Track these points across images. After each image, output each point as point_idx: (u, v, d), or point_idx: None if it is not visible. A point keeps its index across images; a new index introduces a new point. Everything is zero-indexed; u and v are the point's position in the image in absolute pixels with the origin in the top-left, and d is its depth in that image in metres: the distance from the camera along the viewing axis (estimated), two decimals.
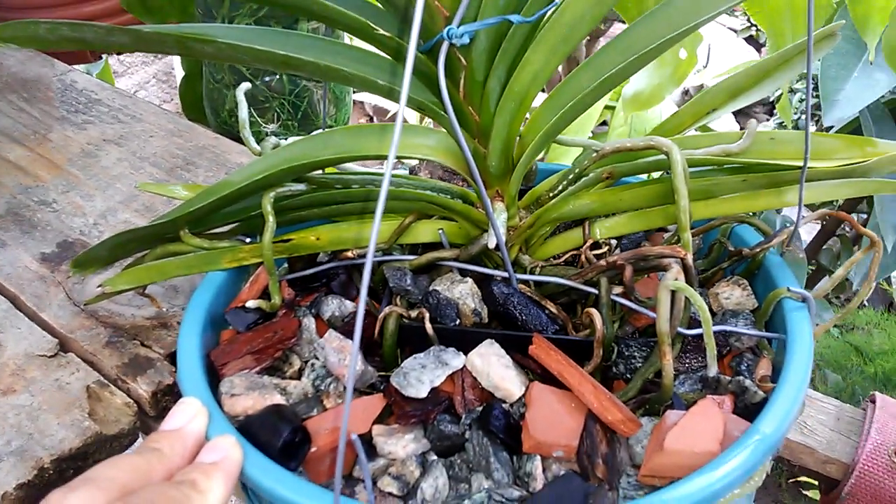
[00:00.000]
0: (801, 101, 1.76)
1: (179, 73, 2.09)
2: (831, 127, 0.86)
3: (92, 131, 0.68)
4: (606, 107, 1.50)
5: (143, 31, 0.34)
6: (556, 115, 0.35)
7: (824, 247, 1.14)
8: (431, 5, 0.31)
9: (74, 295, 0.52)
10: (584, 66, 0.36)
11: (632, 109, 0.85)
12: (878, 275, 0.92)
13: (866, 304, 1.53)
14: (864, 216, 1.05)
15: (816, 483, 0.58)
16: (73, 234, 0.57)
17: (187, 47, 0.35)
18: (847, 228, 1.15)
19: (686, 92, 2.10)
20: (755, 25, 2.53)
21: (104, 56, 1.08)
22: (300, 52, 0.34)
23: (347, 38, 0.51)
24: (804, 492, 1.19)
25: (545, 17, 0.33)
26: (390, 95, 0.35)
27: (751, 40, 2.65)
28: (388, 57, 0.36)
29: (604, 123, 1.61)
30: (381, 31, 0.33)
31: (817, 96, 0.75)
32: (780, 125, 1.95)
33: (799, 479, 1.20)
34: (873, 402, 0.51)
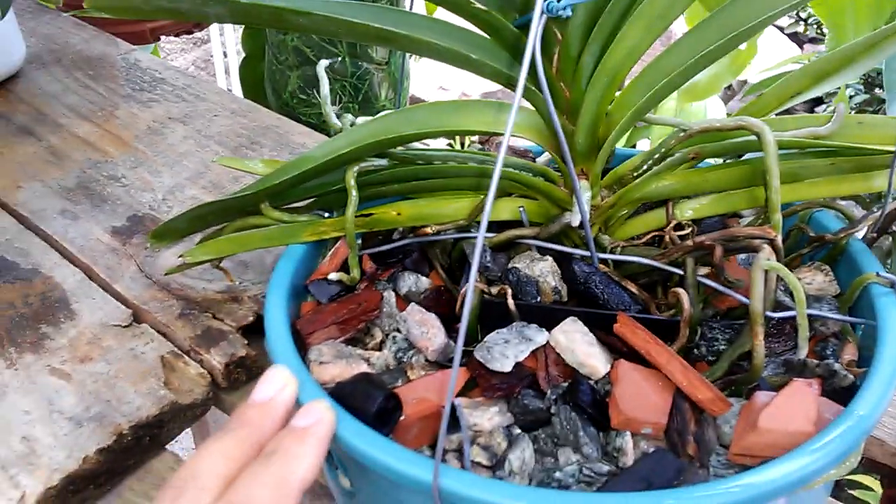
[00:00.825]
0: (850, 97, 1.74)
1: (218, 61, 2.10)
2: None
3: (157, 109, 0.69)
4: None
5: (240, 2, 0.34)
6: (647, 94, 0.35)
7: (875, 244, 1.12)
8: None
9: (146, 268, 0.53)
10: (671, 48, 0.36)
11: (687, 100, 0.85)
12: None
13: None
14: None
15: (877, 479, 0.57)
16: (142, 209, 0.58)
17: (283, 19, 0.35)
18: None
19: (729, 87, 2.08)
20: (803, 20, 2.49)
21: (158, 39, 1.09)
22: (395, 25, 0.35)
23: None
24: (850, 491, 1.17)
25: None
26: (483, 71, 0.35)
27: (794, 37, 2.61)
28: (481, 32, 0.36)
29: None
30: (478, 5, 0.33)
31: (866, 93, 0.74)
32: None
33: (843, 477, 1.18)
34: None
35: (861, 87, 1.87)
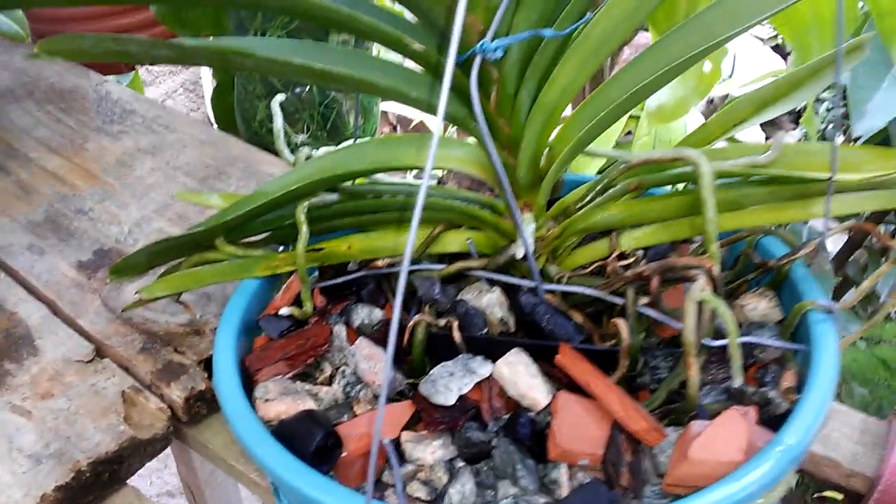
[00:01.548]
0: (828, 110, 1.75)
1: (206, 83, 2.12)
2: (859, 137, 0.86)
3: (127, 141, 0.70)
4: (631, 117, 1.50)
5: (186, 46, 0.35)
6: (586, 128, 0.36)
7: (851, 258, 1.13)
8: (466, 20, 0.32)
9: (110, 302, 0.54)
10: (612, 80, 0.36)
11: (656, 122, 0.86)
12: None
13: (894, 317, 1.51)
14: (893, 227, 1.05)
15: (841, 497, 0.58)
16: (108, 243, 0.59)
17: (227, 60, 0.36)
18: (874, 240, 1.14)
19: (711, 101, 2.10)
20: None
21: (136, 67, 1.10)
22: (336, 65, 0.35)
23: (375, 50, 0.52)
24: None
25: (576, 32, 0.34)
26: (422, 107, 0.36)
27: (777, 49, 2.63)
28: (421, 69, 0.36)
29: (629, 133, 1.61)
30: (416, 45, 0.34)
31: (844, 106, 0.75)
32: (806, 136, 1.94)
33: (825, 494, 1.19)
34: None
35: (838, 99, 1.88)
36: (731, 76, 2.03)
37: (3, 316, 0.52)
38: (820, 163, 0.39)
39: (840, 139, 1.03)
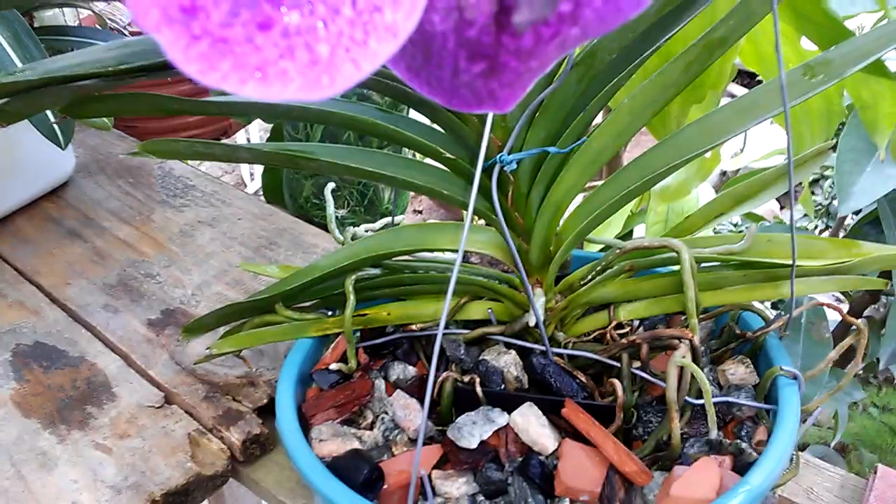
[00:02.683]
0: (831, 186, 1.82)
1: (244, 164, 2.25)
2: (845, 218, 0.93)
3: (188, 213, 0.78)
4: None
5: (263, 150, 0.43)
6: (586, 221, 0.43)
7: (852, 328, 1.19)
8: (489, 138, 0.40)
9: (176, 356, 0.61)
10: (609, 182, 0.44)
11: (661, 201, 0.93)
12: (893, 359, 0.97)
13: None
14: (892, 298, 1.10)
15: None
16: (174, 304, 0.67)
17: (295, 162, 0.44)
18: (879, 308, 1.19)
19: (724, 173, 2.18)
20: None
21: None
22: (382, 167, 0.43)
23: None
24: None
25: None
26: (452, 202, 0.44)
27: None
28: (450, 171, 0.44)
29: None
30: (448, 154, 0.42)
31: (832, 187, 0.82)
32: (804, 215, 2.00)
33: None
34: (875, 472, 0.57)
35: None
36: (741, 151, 2.11)
37: (85, 366, 0.60)
38: (787, 251, 0.46)
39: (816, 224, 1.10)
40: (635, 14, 0.16)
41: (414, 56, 0.17)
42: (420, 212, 2.44)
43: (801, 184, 0.95)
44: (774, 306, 1.26)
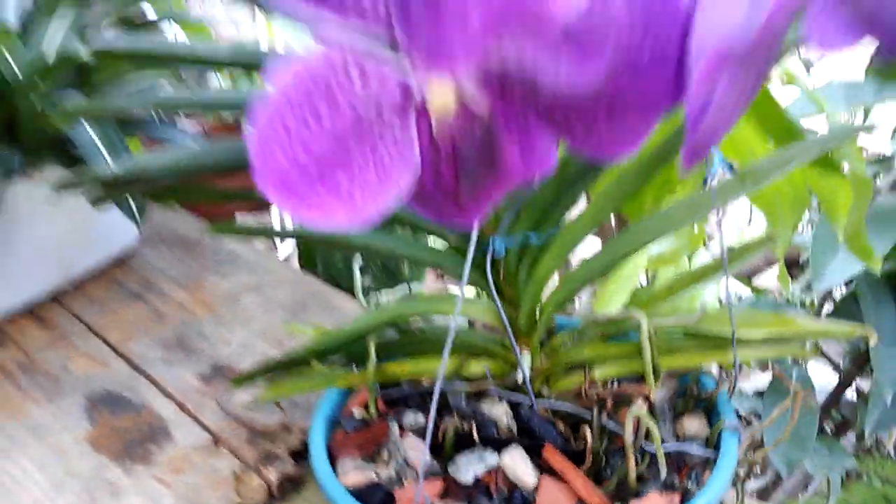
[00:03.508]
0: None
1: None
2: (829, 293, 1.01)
3: (235, 280, 0.88)
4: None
5: (307, 232, 0.53)
6: (563, 294, 0.52)
7: (843, 397, 1.24)
8: (482, 227, 0.50)
9: (223, 404, 0.70)
10: (582, 266, 0.53)
11: (655, 266, 1.02)
12: (879, 427, 1.02)
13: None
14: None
15: None
16: (221, 359, 0.76)
17: (332, 242, 0.54)
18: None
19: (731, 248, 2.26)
20: None
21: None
22: (402, 248, 0.53)
23: None
24: None
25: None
26: (455, 275, 0.53)
27: None
28: (455, 252, 0.54)
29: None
30: (452, 237, 0.51)
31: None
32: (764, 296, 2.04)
33: None
34: None
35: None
36: (749, 223, 2.20)
37: (146, 412, 0.69)
38: (726, 324, 0.54)
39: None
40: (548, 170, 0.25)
41: (411, 195, 0.27)
42: (443, 276, 2.54)
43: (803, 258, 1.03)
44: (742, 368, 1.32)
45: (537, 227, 0.51)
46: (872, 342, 0.54)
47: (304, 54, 0.20)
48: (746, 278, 2.20)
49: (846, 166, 0.77)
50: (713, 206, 0.47)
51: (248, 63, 0.43)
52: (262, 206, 1.38)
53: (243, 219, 1.33)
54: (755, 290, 1.77)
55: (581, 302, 1.35)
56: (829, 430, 1.36)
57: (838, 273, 0.90)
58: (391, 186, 0.23)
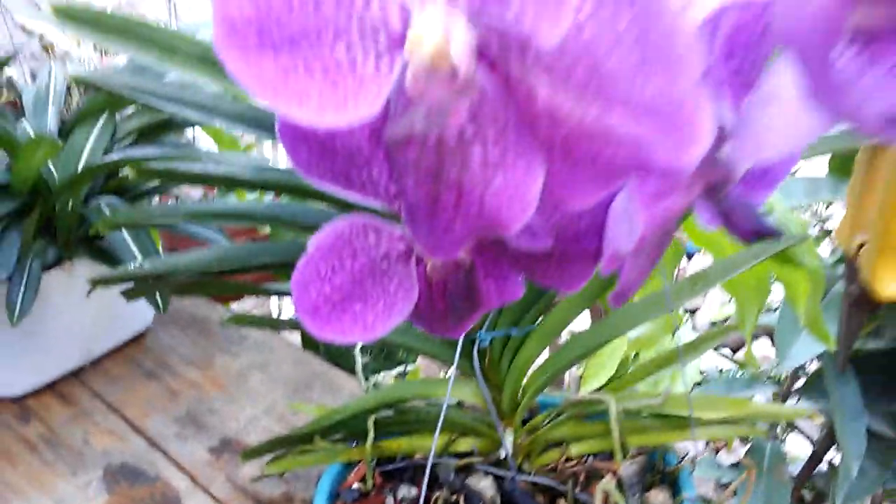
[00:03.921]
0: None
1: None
2: (798, 369, 1.07)
3: (243, 359, 0.94)
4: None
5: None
6: (541, 381, 0.58)
7: (815, 471, 1.29)
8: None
9: (232, 477, 0.75)
10: (556, 354, 0.60)
11: (634, 348, 1.08)
12: (849, 499, 1.07)
13: None
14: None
15: None
16: (230, 434, 0.82)
17: None
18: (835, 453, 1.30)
19: (714, 323, 2.33)
20: None
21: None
22: (398, 336, 0.59)
23: None
24: None
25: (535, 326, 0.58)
26: (447, 363, 0.59)
27: None
28: (447, 343, 0.60)
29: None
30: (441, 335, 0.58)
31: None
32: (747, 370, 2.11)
33: None
34: None
35: None
36: (730, 300, 2.27)
37: (160, 484, 0.74)
38: (693, 406, 0.60)
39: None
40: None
41: (411, 315, 0.33)
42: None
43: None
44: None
45: (518, 321, 0.58)
46: (817, 422, 0.60)
47: (335, 222, 0.27)
48: (732, 351, 2.26)
49: (805, 259, 0.85)
50: (669, 307, 0.54)
51: (275, 184, 0.51)
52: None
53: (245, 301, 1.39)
54: (738, 363, 1.83)
55: (570, 376, 1.41)
56: (806, 502, 1.40)
57: (802, 353, 0.97)
58: (395, 313, 0.30)
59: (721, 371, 2.10)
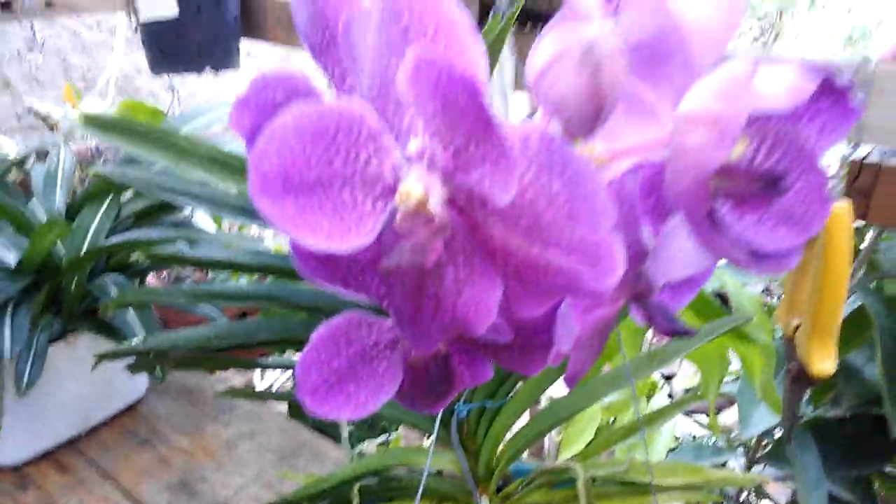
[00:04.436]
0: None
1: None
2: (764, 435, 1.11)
3: (233, 428, 0.97)
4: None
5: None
6: (515, 450, 0.63)
7: None
8: None
9: None
10: (529, 423, 0.64)
11: (607, 415, 1.12)
12: None
13: None
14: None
15: None
16: (221, 501, 0.84)
17: None
18: None
19: (687, 390, 2.37)
20: None
21: None
22: (385, 409, 0.63)
23: None
24: None
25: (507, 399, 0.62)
26: (427, 433, 0.63)
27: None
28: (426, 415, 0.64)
29: None
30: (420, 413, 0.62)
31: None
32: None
33: None
34: None
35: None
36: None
37: None
38: (655, 473, 0.65)
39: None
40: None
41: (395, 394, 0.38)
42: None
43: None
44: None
45: (493, 395, 0.62)
46: (765, 487, 0.64)
47: (334, 318, 0.32)
48: (710, 415, 2.29)
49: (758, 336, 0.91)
50: (628, 381, 0.59)
51: (271, 268, 0.56)
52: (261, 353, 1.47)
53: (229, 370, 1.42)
54: (710, 427, 1.87)
55: (551, 441, 1.44)
56: None
57: (763, 421, 1.01)
58: (383, 393, 0.35)
59: (694, 437, 2.13)
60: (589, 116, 0.19)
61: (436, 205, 0.22)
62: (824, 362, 0.54)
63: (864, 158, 0.56)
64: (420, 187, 0.22)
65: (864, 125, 0.46)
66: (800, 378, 0.58)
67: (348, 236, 0.24)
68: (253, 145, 0.26)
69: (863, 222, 0.65)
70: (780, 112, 0.19)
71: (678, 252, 0.24)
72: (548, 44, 0.19)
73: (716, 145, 0.18)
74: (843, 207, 0.49)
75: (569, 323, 0.24)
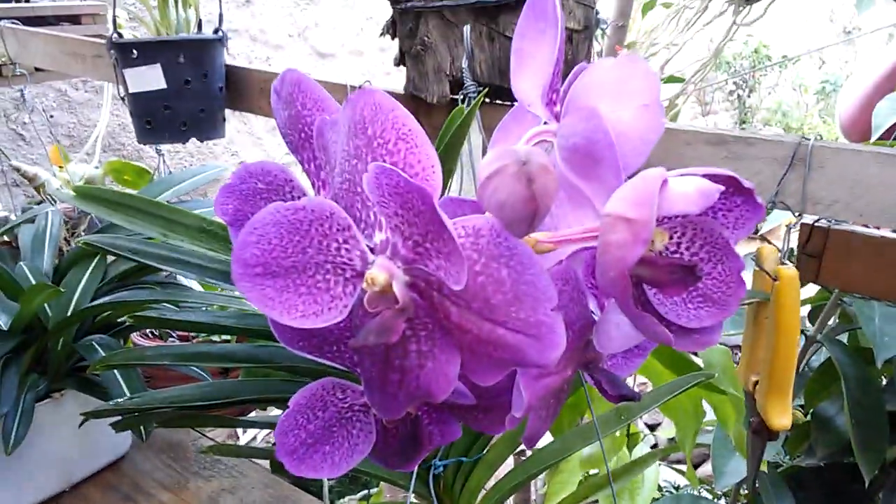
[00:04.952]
0: None
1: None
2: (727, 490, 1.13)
3: (214, 483, 0.98)
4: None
5: None
6: (495, 499, 0.65)
7: None
8: None
9: None
10: (508, 475, 0.66)
11: (584, 468, 1.14)
12: None
13: None
14: None
15: None
16: None
17: None
18: None
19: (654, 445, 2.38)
20: None
21: None
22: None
23: None
24: None
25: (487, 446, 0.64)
26: (405, 488, 0.65)
27: None
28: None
29: None
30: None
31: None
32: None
33: None
34: None
35: None
36: None
37: None
38: None
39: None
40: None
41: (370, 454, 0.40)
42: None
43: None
44: None
45: (468, 451, 0.64)
46: None
47: (311, 385, 0.35)
48: (695, 466, 2.31)
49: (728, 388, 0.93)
50: (596, 437, 0.62)
51: (254, 330, 0.58)
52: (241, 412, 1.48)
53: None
54: (688, 479, 1.88)
55: (536, 492, 1.45)
56: None
57: (736, 473, 1.03)
58: (357, 453, 0.37)
59: (678, 487, 2.14)
60: (525, 218, 0.22)
61: (399, 289, 0.25)
62: (781, 417, 0.57)
63: (815, 222, 0.59)
64: (384, 274, 0.25)
65: (807, 197, 0.50)
66: (759, 431, 0.60)
67: (322, 314, 0.27)
68: (236, 229, 0.28)
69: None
70: (693, 213, 0.22)
71: (618, 326, 0.27)
72: (491, 159, 0.22)
73: (632, 244, 0.21)
74: (791, 272, 0.52)
75: (520, 390, 0.27)
